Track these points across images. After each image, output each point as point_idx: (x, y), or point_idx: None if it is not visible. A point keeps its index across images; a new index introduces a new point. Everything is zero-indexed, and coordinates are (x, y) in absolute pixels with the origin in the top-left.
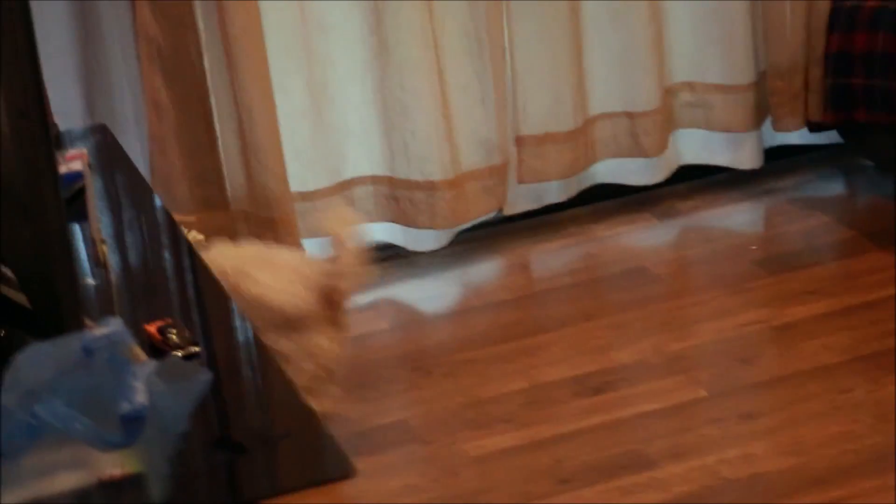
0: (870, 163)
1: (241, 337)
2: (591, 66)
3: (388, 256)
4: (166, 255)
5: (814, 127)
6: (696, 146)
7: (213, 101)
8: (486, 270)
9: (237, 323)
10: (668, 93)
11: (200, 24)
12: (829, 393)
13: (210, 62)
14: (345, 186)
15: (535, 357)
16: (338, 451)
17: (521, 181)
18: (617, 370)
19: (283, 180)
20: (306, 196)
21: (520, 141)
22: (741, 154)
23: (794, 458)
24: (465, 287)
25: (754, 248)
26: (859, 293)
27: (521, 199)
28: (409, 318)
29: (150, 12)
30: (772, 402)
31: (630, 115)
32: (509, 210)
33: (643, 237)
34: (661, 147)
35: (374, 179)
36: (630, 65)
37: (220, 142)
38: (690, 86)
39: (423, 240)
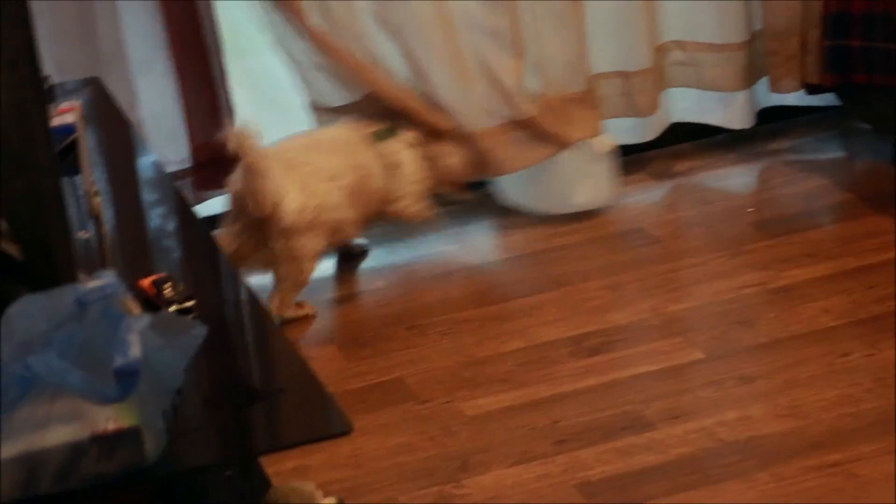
0: (867, 125)
1: (236, 292)
2: (589, 29)
3: None
4: (159, 209)
5: (811, 89)
6: (688, 105)
7: None
8: (481, 231)
9: (232, 278)
10: (659, 52)
11: None
12: (827, 356)
13: None
14: None
15: (531, 317)
16: (335, 407)
17: None
18: (614, 331)
19: None
20: None
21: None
22: (732, 113)
23: (792, 422)
24: (462, 246)
25: (751, 210)
26: (857, 257)
27: None
28: (405, 276)
29: None
30: (770, 365)
31: (624, 75)
32: None
33: (640, 198)
34: (654, 106)
35: None
36: (623, 25)
37: None
38: (680, 45)
39: None
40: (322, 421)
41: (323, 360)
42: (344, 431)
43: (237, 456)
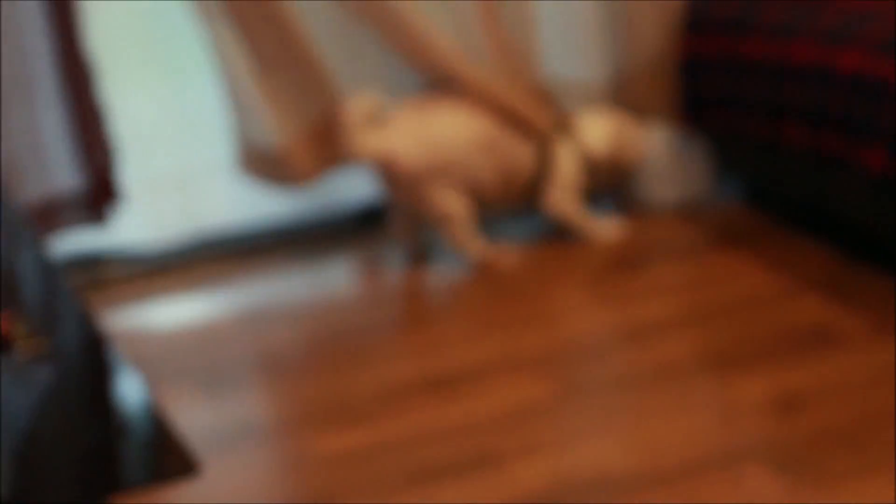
0: (721, 165)
1: (85, 331)
2: None
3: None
4: (12, 246)
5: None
6: None
7: None
8: (340, 266)
9: (81, 318)
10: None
11: None
12: (678, 391)
13: None
14: None
15: (387, 354)
16: (183, 448)
17: None
18: (470, 367)
19: None
20: None
21: None
22: None
23: (644, 456)
24: (318, 283)
25: (609, 246)
26: (708, 293)
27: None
28: (261, 314)
29: None
30: (623, 400)
31: None
32: None
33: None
34: None
35: None
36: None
37: None
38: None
39: None
40: (170, 461)
41: (178, 400)
42: (191, 472)
43: (86, 496)
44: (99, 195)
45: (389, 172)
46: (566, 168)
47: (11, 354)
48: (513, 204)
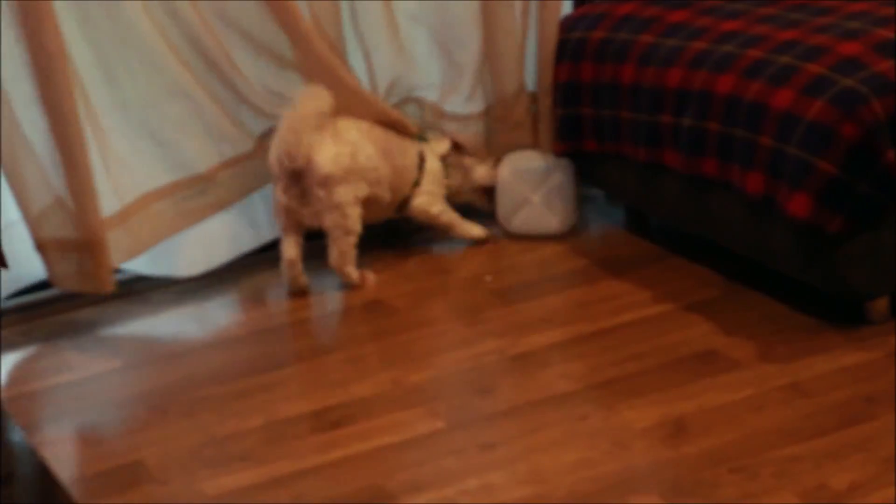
0: (600, 192)
1: None
2: None
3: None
4: None
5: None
6: None
7: None
8: (220, 307)
9: None
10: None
11: None
12: (566, 420)
13: None
14: None
15: (272, 393)
16: (66, 493)
17: None
18: (355, 403)
19: None
20: None
21: None
22: None
23: (533, 487)
24: (201, 323)
25: (489, 278)
26: (592, 321)
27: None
28: (144, 355)
29: None
30: (510, 432)
31: None
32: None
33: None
34: None
35: None
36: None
37: None
38: (419, 102)
39: None
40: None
41: (63, 444)
42: None
43: None
44: None
45: (311, 173)
46: (431, 173)
47: None
48: (390, 213)
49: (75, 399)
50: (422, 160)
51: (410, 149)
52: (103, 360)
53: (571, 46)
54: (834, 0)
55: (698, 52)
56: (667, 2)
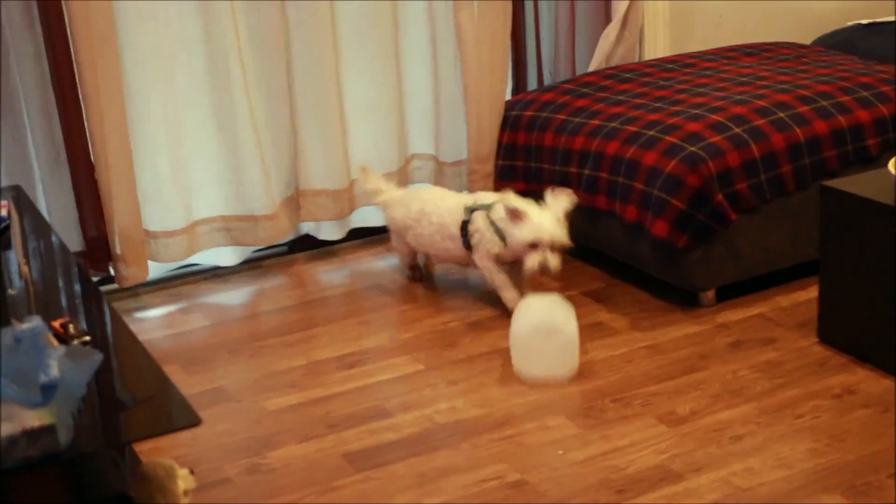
0: None
1: (118, 329)
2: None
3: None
4: (65, 275)
5: None
6: None
7: None
8: (276, 283)
9: (114, 321)
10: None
11: None
12: (506, 370)
13: None
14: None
15: (310, 343)
16: (188, 405)
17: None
18: (365, 352)
19: None
20: None
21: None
22: None
23: (483, 410)
24: (262, 296)
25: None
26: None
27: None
28: (224, 317)
29: None
30: (467, 372)
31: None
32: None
33: (379, 264)
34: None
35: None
36: (383, 137)
37: None
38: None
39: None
40: (179, 415)
41: (170, 374)
42: (195, 423)
43: (120, 442)
44: None
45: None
46: (481, 235)
47: (71, 347)
48: (447, 261)
49: (178, 345)
50: (475, 227)
51: (458, 215)
52: (195, 319)
53: (511, 120)
54: (682, 95)
55: (594, 127)
56: (573, 93)
